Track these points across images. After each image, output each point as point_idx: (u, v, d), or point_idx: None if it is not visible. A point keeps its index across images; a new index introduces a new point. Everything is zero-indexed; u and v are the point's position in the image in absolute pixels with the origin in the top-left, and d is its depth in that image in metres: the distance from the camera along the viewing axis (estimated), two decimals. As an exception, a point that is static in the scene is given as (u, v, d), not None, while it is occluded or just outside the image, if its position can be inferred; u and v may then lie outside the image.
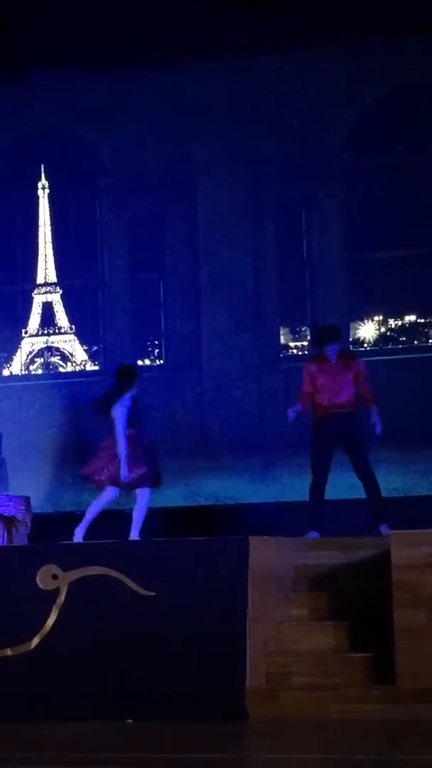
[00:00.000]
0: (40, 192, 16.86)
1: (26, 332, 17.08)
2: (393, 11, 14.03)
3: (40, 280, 17.02)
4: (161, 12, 14.50)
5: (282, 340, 15.91)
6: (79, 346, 16.92)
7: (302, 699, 8.96)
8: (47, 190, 16.85)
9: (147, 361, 16.47)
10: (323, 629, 9.46)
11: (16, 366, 17.03)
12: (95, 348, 16.83)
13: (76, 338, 16.95)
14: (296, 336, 16.23)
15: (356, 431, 11.31)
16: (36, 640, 9.43)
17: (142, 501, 11.80)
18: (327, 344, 11.54)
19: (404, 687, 8.75)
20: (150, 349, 16.54)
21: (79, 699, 9.22)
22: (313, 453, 11.35)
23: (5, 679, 9.42)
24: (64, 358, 16.99)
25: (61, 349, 17.00)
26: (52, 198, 16.87)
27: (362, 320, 15.77)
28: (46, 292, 17.04)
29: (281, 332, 15.82)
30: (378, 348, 15.61)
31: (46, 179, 16.81)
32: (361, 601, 9.41)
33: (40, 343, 17.06)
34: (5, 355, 17.07)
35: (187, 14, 14.36)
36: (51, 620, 9.44)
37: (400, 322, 15.82)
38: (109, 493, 11.73)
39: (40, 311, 17.07)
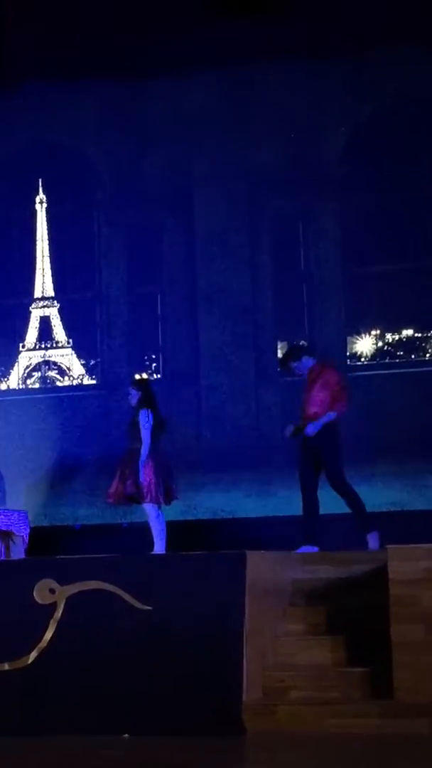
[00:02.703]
0: (37, 206, 16.88)
1: (23, 346, 17.09)
2: (390, 24, 14.07)
3: (37, 293, 17.03)
4: (157, 24, 14.53)
5: (279, 354, 15.92)
6: (76, 360, 16.93)
7: (300, 713, 8.95)
8: (45, 204, 16.88)
9: (144, 375, 16.47)
10: (320, 644, 9.45)
11: (14, 380, 17.03)
12: (92, 362, 16.84)
13: (73, 352, 16.96)
14: (293, 349, 16.24)
15: (322, 443, 11.25)
16: (33, 655, 9.42)
17: (149, 516, 11.89)
18: (290, 363, 11.63)
19: (402, 701, 8.74)
20: (147, 362, 16.55)
21: (77, 713, 9.21)
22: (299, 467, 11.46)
23: (2, 694, 9.41)
24: (62, 372, 16.99)
25: (59, 363, 17.01)
26: (49, 212, 16.90)
27: (359, 334, 15.78)
28: (43, 306, 17.06)
29: (278, 346, 15.83)
30: (375, 362, 15.63)
31: (44, 193, 16.83)
32: (359, 615, 9.40)
33: (37, 357, 17.07)
34: (2, 369, 17.07)
35: (184, 26, 14.39)
36: (48, 634, 9.42)
37: (397, 336, 15.84)
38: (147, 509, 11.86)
39: (38, 325, 17.09)
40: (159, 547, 11.91)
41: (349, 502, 11.18)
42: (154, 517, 11.95)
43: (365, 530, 11.05)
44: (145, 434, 11.96)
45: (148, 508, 11.97)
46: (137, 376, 15.19)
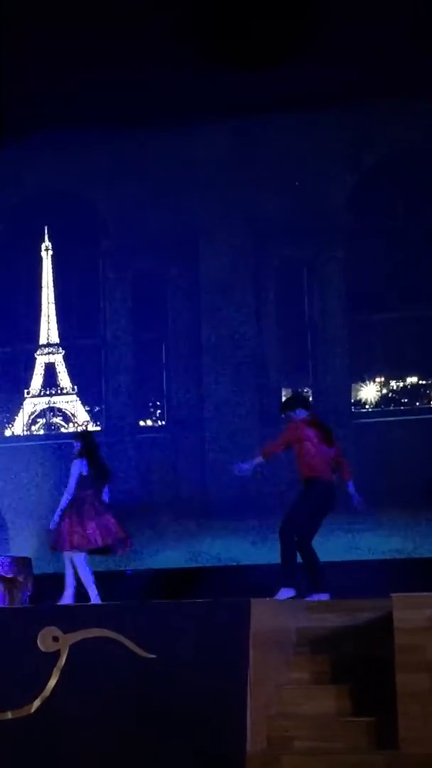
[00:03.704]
0: (43, 253, 16.96)
1: (28, 393, 17.11)
2: (394, 73, 14.17)
3: (42, 340, 17.07)
4: (162, 74, 14.63)
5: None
6: (81, 406, 16.94)
7: (304, 764, 8.87)
8: (50, 251, 16.94)
9: (149, 422, 16.49)
10: (325, 692, 9.39)
11: (18, 426, 17.05)
12: (97, 408, 16.86)
13: (78, 399, 16.98)
14: (298, 397, 16.23)
15: (306, 493, 11.26)
16: (37, 703, 9.36)
17: (76, 566, 12.02)
18: (284, 412, 11.64)
19: (407, 752, 8.66)
20: (152, 409, 16.56)
21: (80, 762, 9.15)
22: None
23: (6, 742, 9.35)
24: (66, 418, 17.00)
25: (63, 410, 17.03)
26: (54, 259, 16.96)
27: (364, 381, 15.80)
28: (48, 353, 17.10)
29: (283, 393, 15.84)
30: (380, 409, 15.63)
31: (50, 240, 16.91)
32: (364, 664, 9.35)
33: (42, 403, 17.09)
34: (7, 415, 17.09)
35: (188, 76, 14.49)
36: (52, 683, 9.37)
37: (401, 383, 15.85)
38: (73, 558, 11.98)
39: (43, 372, 17.12)
40: (93, 596, 12.03)
41: (282, 552, 11.10)
42: (78, 566, 12.08)
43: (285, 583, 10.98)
44: (71, 482, 12.30)
45: (66, 557, 12.09)
46: (80, 429, 15.54)
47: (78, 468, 12.32)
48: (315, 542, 11.31)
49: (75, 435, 13.25)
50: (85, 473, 12.29)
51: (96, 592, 12.05)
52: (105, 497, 12.38)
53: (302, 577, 11.10)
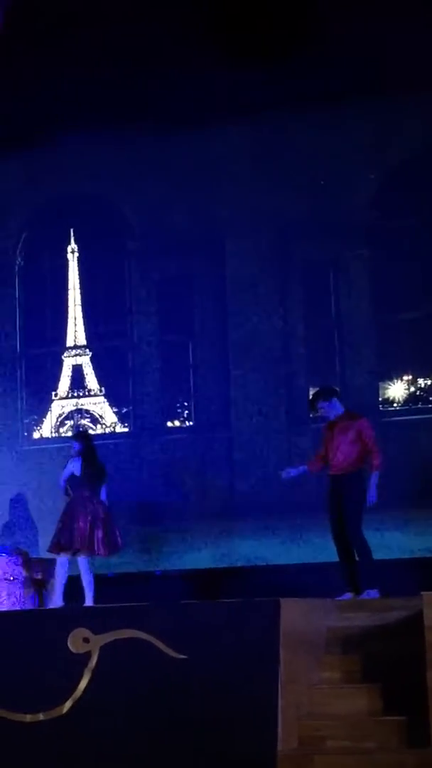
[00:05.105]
0: (69, 256, 17.00)
1: (56, 395, 17.15)
2: (419, 70, 14.12)
3: (69, 342, 17.11)
4: (186, 73, 14.65)
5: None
6: (108, 408, 16.97)
7: (336, 763, 8.86)
8: (76, 254, 16.98)
9: (176, 423, 16.50)
10: (356, 692, 9.38)
11: (47, 428, 17.09)
12: (125, 410, 16.88)
13: (105, 400, 17.01)
14: (325, 396, 16.19)
15: (350, 494, 11.29)
16: (68, 704, 9.39)
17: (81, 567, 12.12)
18: (319, 402, 11.67)
19: (439, 750, 8.67)
20: (179, 410, 16.57)
21: (112, 762, 9.17)
22: None
23: (38, 744, 9.38)
24: (94, 420, 17.03)
25: (91, 412, 17.06)
26: (81, 261, 17.00)
27: (391, 380, 15.76)
28: (75, 355, 17.13)
29: (310, 392, 15.82)
30: (407, 407, 15.59)
31: (75, 243, 16.95)
32: (394, 663, 9.34)
33: (70, 405, 17.12)
34: (35, 417, 17.14)
35: (211, 74, 14.49)
36: (83, 684, 9.40)
37: (429, 381, 15.80)
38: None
39: (70, 374, 17.15)
40: (88, 599, 12.22)
41: (360, 556, 11.15)
42: (81, 567, 12.22)
43: (367, 585, 11.01)
44: (61, 479, 12.61)
45: (80, 559, 12.37)
46: (80, 429, 15.72)
47: (71, 467, 12.50)
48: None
49: (75, 435, 13.38)
50: (78, 473, 12.37)
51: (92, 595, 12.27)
52: (103, 497, 12.44)
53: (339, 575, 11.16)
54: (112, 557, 12.63)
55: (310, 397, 12.52)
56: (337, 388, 12.98)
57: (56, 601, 12.17)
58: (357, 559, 11.18)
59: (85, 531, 12.14)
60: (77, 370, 17.15)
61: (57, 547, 12.25)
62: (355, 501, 11.25)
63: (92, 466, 12.47)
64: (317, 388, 12.44)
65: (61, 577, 12.23)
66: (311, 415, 13.56)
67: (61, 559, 12.25)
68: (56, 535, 12.27)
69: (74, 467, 12.49)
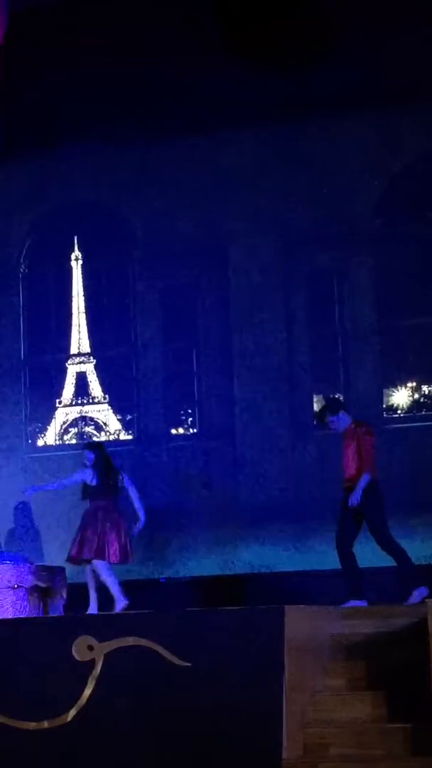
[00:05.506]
0: (73, 263, 17.01)
1: (60, 402, 17.16)
2: (423, 78, 14.14)
3: (73, 350, 17.12)
4: (191, 82, 14.67)
5: (316, 408, 15.86)
6: (112, 415, 16.97)
7: (341, 770, 8.87)
8: (80, 261, 17.00)
9: (180, 430, 16.50)
10: (361, 699, 9.37)
11: (51, 436, 17.09)
12: (129, 417, 16.88)
13: (109, 407, 17.01)
14: (330, 403, 16.20)
15: (365, 505, 11.31)
16: (73, 712, 9.38)
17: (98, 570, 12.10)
18: (327, 417, 11.70)
19: (444, 758, 8.65)
20: (183, 417, 16.57)
21: (117, 771, 9.17)
22: None
23: (43, 752, 9.37)
24: (98, 427, 17.04)
25: (95, 419, 17.06)
26: (85, 269, 17.01)
27: (395, 387, 15.76)
28: (79, 362, 17.14)
29: (314, 400, 15.83)
30: (411, 414, 15.59)
31: (79, 250, 16.96)
32: (399, 670, 9.32)
33: (74, 412, 17.13)
34: (40, 425, 17.14)
35: (216, 83, 14.51)
36: (87, 692, 9.39)
37: (433, 388, 15.83)
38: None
39: (74, 381, 17.16)
40: (92, 607, 12.23)
41: (397, 561, 11.21)
42: (100, 573, 12.18)
43: (413, 586, 11.06)
44: (69, 480, 12.73)
45: (87, 567, 12.38)
46: (94, 440, 15.93)
47: (83, 476, 12.46)
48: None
49: (88, 445, 13.23)
50: (94, 484, 12.32)
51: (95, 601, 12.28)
52: (136, 504, 12.43)
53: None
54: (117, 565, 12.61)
55: (317, 410, 12.52)
56: (342, 399, 12.99)
57: (92, 608, 12.15)
58: (398, 566, 11.21)
59: (93, 540, 12.12)
60: (81, 378, 17.16)
61: (69, 558, 12.27)
62: (375, 511, 11.30)
63: (110, 477, 12.42)
64: (323, 401, 12.44)
65: (90, 584, 12.23)
66: (314, 423, 13.54)
67: (98, 563, 12.23)
68: (70, 547, 12.28)
69: (85, 477, 12.44)
